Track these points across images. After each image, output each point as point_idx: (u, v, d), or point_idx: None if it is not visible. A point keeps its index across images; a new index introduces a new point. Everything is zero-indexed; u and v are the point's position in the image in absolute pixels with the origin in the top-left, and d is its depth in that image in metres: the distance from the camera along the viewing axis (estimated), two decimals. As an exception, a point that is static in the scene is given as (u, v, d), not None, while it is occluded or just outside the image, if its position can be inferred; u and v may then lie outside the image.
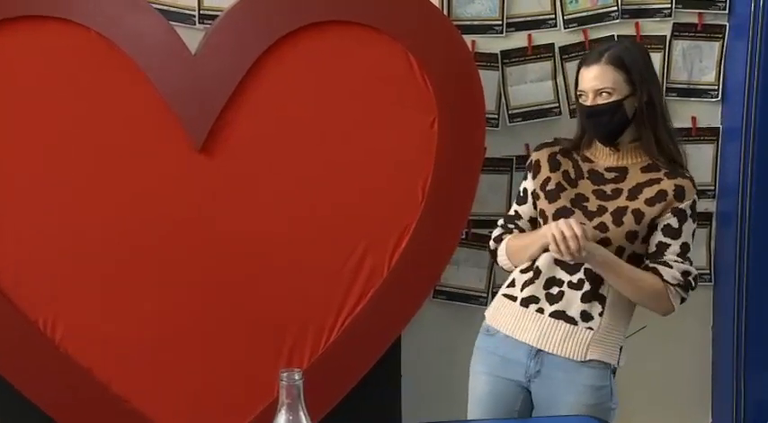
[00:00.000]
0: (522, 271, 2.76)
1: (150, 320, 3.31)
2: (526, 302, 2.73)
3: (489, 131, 3.46)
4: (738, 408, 3.85)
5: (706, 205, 3.92)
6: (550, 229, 2.52)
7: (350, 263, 3.35)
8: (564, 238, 2.48)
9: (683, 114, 3.82)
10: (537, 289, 2.70)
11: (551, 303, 2.69)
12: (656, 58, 3.66)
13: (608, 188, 2.70)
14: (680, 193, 2.67)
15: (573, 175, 2.74)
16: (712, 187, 3.95)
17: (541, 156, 2.83)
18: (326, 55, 3.28)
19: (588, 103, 2.69)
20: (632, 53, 2.71)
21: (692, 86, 3.87)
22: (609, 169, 2.73)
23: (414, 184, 3.37)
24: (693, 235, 2.71)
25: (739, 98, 3.75)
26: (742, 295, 3.81)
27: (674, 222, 2.66)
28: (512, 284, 2.80)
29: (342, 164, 3.34)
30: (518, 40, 3.64)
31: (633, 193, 2.68)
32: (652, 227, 2.67)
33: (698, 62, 3.81)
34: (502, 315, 2.77)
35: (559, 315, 2.68)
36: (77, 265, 3.27)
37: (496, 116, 3.71)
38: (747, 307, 3.79)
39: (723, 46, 3.80)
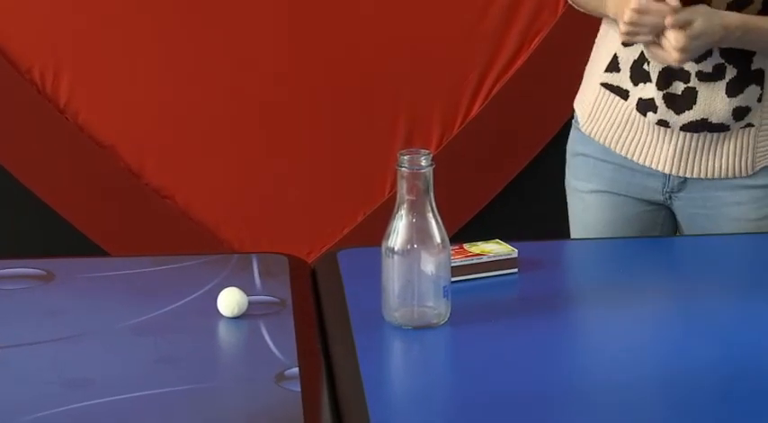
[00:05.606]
0: (626, 43, 2.22)
1: (201, 85, 2.95)
2: (643, 108, 2.20)
3: None
4: None
5: None
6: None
7: (502, -3, 3.04)
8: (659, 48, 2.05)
9: None
10: (652, 88, 2.19)
11: (678, 112, 2.17)
12: None
13: None
14: None
15: None
16: None
17: None
18: None
19: None
20: None
21: None
22: None
23: None
24: None
25: None
26: None
27: None
28: (614, 66, 2.24)
29: None
30: None
31: None
32: None
33: None
34: (605, 121, 2.25)
35: (699, 126, 2.18)
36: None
37: None
38: None
39: None
